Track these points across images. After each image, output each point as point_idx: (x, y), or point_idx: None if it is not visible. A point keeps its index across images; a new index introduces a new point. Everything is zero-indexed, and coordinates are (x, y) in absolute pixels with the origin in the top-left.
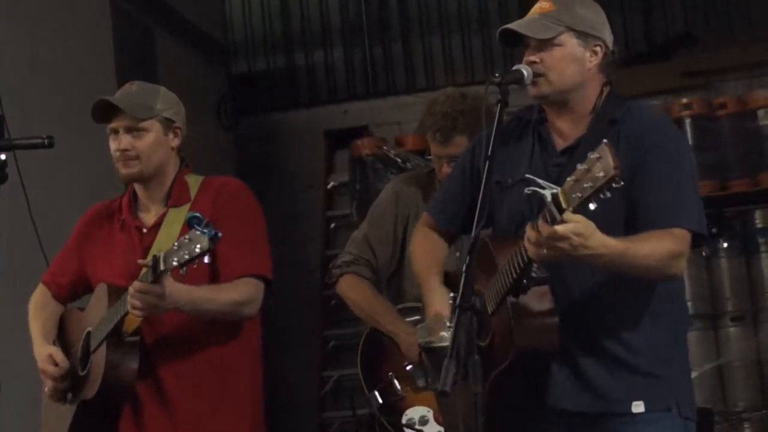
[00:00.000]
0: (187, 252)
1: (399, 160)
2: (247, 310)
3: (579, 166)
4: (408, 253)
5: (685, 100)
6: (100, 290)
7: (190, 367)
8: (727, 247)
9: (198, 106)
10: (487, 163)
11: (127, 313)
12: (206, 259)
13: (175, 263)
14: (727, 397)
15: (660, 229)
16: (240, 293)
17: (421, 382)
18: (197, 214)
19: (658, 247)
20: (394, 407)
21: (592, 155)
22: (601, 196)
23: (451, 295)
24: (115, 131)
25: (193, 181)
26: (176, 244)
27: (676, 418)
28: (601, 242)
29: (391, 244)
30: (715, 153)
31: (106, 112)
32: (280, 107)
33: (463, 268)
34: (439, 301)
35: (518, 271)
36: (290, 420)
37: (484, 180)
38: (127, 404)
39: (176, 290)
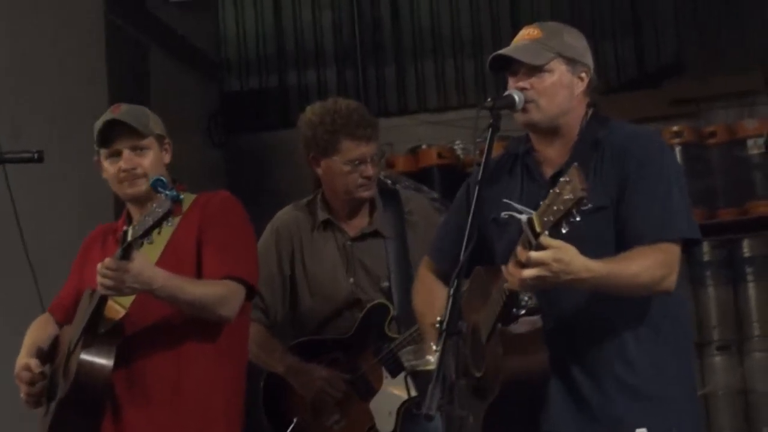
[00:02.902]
0: (152, 218)
1: (389, 181)
2: (223, 310)
3: (552, 191)
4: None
5: (675, 128)
6: (85, 296)
7: (172, 368)
8: (714, 276)
9: (189, 123)
10: (477, 188)
11: (100, 303)
12: (170, 222)
13: (140, 231)
14: (711, 427)
15: (647, 244)
16: (216, 291)
17: None
18: (161, 178)
19: (646, 264)
20: None
21: (563, 179)
22: (571, 219)
23: (438, 319)
24: (117, 153)
25: (186, 198)
26: (145, 214)
27: None
28: (584, 266)
29: (278, 283)
30: (704, 181)
31: (106, 135)
32: (271, 126)
33: (450, 293)
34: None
35: (504, 299)
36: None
37: (473, 206)
38: (109, 404)
39: (151, 272)
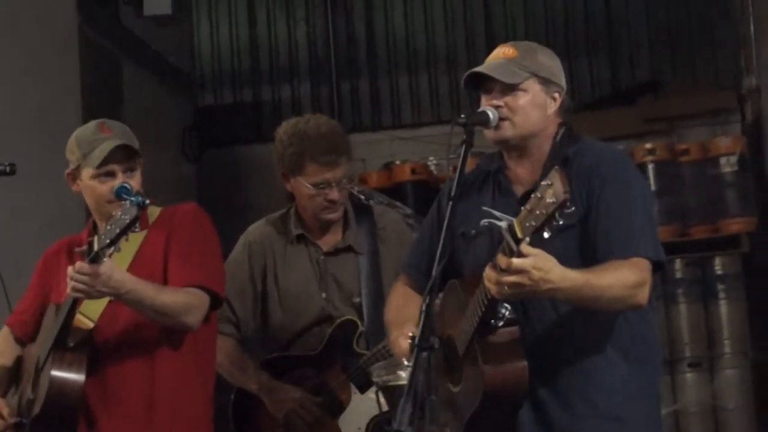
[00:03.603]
0: (118, 226)
1: (362, 197)
2: (187, 318)
3: (533, 195)
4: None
5: (648, 145)
6: (49, 311)
7: (145, 380)
8: (686, 293)
9: (163, 137)
10: (450, 204)
11: (70, 310)
12: (137, 228)
13: (107, 240)
14: None
15: (619, 258)
16: (181, 298)
17: None
18: (125, 185)
19: (620, 276)
20: None
21: (544, 182)
22: (554, 222)
23: (410, 335)
24: (110, 174)
25: (152, 212)
26: (110, 223)
27: None
28: (562, 275)
29: (250, 297)
30: (677, 198)
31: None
32: (245, 141)
33: (422, 308)
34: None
35: (483, 310)
36: None
37: (446, 220)
38: (84, 418)
39: (120, 276)
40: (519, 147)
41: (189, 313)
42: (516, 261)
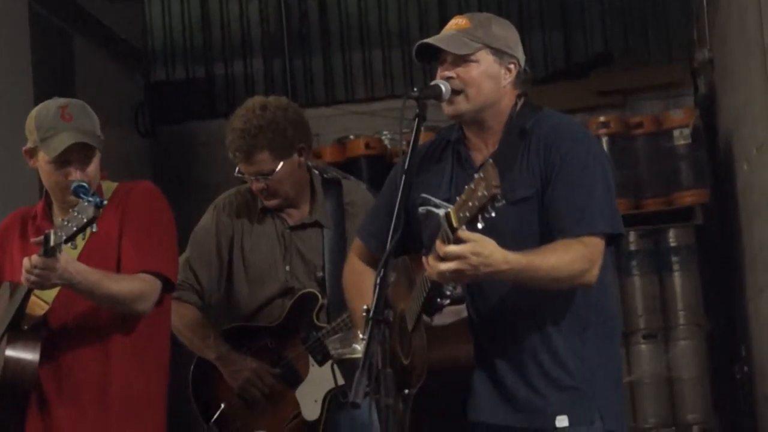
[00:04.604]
0: (74, 224)
1: (316, 171)
2: (139, 305)
3: (467, 187)
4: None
5: (602, 119)
6: (3, 289)
7: (99, 364)
8: (640, 265)
9: (115, 113)
10: (404, 177)
11: (24, 298)
12: (94, 228)
13: (63, 237)
14: (637, 414)
15: (570, 236)
16: (132, 286)
17: None
18: (83, 184)
19: (566, 257)
20: None
21: (477, 175)
22: (486, 215)
23: (365, 307)
24: (66, 162)
25: (107, 187)
26: (66, 219)
27: (600, 430)
28: (503, 258)
29: (216, 266)
30: (631, 171)
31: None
32: (197, 116)
33: (377, 281)
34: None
35: (427, 289)
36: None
37: (399, 195)
38: (36, 401)
39: (73, 267)
40: (475, 120)
41: (140, 300)
42: (452, 248)
